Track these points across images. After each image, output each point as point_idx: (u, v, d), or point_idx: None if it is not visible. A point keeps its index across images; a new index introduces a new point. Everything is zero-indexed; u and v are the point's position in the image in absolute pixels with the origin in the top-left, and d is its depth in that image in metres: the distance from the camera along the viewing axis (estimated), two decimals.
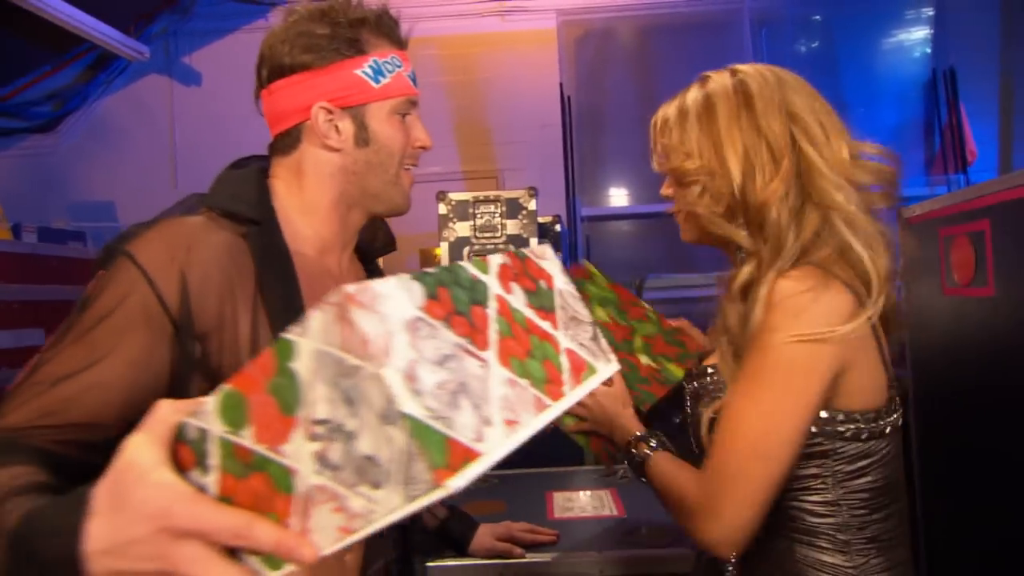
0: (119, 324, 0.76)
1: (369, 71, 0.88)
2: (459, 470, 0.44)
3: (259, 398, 0.47)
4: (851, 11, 3.92)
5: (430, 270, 0.52)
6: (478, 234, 2.22)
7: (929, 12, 3.88)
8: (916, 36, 3.91)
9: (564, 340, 0.63)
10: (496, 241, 2.24)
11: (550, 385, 0.57)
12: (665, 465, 0.99)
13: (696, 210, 0.99)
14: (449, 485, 0.43)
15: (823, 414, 0.90)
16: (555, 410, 0.56)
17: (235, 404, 0.48)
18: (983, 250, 1.46)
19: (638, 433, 1.05)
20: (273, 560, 0.48)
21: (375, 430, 0.44)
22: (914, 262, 1.80)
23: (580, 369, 0.63)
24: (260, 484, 0.48)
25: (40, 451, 0.69)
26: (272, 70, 0.89)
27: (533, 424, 0.53)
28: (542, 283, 0.66)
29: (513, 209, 2.24)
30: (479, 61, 4.16)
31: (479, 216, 2.22)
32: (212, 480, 0.49)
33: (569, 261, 3.69)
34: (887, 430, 0.92)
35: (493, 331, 0.55)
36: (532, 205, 2.26)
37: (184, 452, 0.50)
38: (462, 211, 2.23)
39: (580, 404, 0.94)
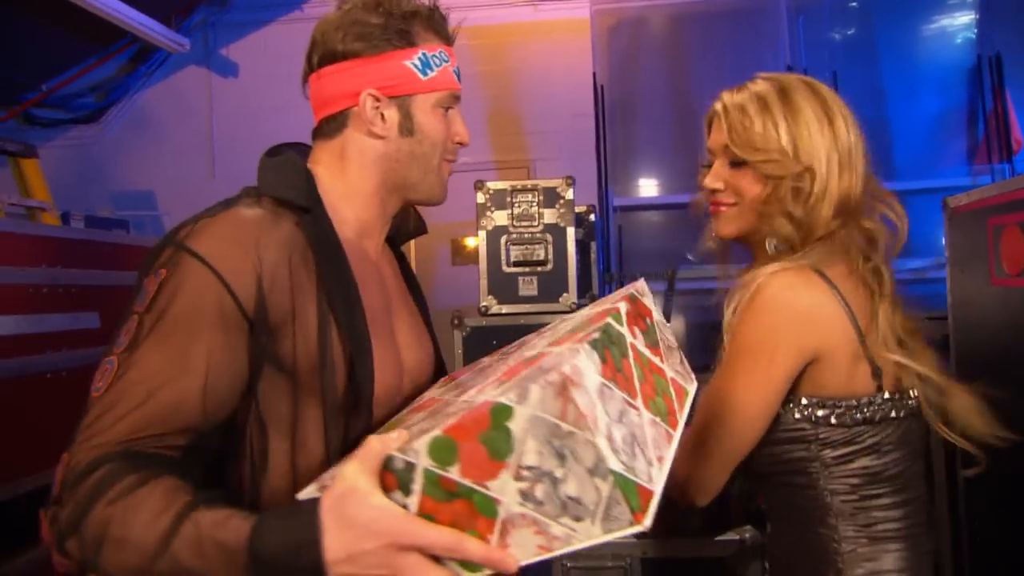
0: (199, 327, 0.77)
1: (418, 63, 0.89)
2: (647, 510, 0.59)
3: (470, 445, 0.60)
4: None
5: (595, 335, 0.64)
6: (515, 223, 2.23)
7: None
8: (960, 21, 3.81)
9: (668, 371, 0.76)
10: (533, 230, 2.25)
11: (671, 416, 0.70)
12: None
13: (780, 207, 0.97)
14: (644, 523, 0.58)
15: (803, 400, 0.96)
16: (677, 436, 0.69)
17: (446, 447, 0.61)
18: None
19: None
20: (471, 566, 0.62)
21: (583, 480, 0.59)
22: (960, 252, 1.77)
23: (681, 395, 0.75)
24: (463, 507, 0.61)
25: (155, 457, 0.73)
26: (324, 55, 0.90)
27: (670, 453, 0.66)
28: (648, 320, 0.79)
29: (550, 198, 2.25)
30: (511, 51, 4.16)
31: (516, 205, 2.23)
32: (413, 501, 0.63)
33: (602, 251, 3.68)
34: (877, 418, 0.95)
35: (636, 379, 0.68)
36: (569, 194, 2.27)
37: (388, 478, 0.64)
38: (500, 200, 2.24)
39: None
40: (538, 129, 4.16)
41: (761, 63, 3.91)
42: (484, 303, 2.22)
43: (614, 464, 0.58)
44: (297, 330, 0.81)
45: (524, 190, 2.23)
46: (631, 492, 0.59)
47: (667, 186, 4.09)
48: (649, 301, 0.83)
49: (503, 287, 2.22)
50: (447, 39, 0.94)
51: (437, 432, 0.61)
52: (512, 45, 4.15)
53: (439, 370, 1.04)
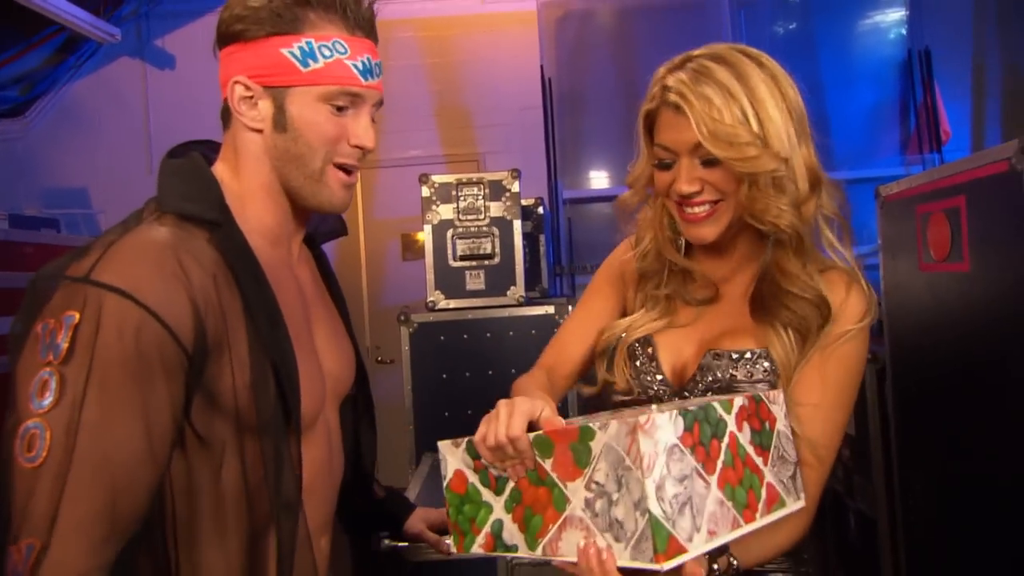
0: (142, 377, 0.70)
1: (297, 52, 0.81)
2: (670, 558, 0.68)
3: (561, 448, 0.76)
4: None
5: (692, 408, 0.75)
6: (461, 216, 2.22)
7: None
8: (892, 17, 3.95)
9: (769, 475, 0.84)
10: (480, 223, 2.24)
11: (747, 510, 0.79)
12: (754, 546, 0.88)
13: (770, 201, 0.90)
14: (663, 567, 0.68)
15: None
16: (743, 530, 0.77)
17: (546, 443, 0.77)
18: (958, 226, 1.49)
19: (715, 565, 0.86)
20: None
21: (629, 509, 0.71)
22: (891, 240, 1.83)
23: (773, 500, 0.82)
24: (544, 494, 0.77)
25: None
26: (218, 37, 0.85)
27: (727, 537, 0.75)
28: (767, 424, 0.85)
29: (496, 191, 2.24)
30: (459, 43, 4.13)
31: (462, 198, 2.22)
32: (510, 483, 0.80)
33: (552, 243, 3.70)
34: None
35: (720, 461, 0.77)
36: (515, 187, 2.26)
37: None
38: (445, 193, 2.22)
39: None
40: (487, 122, 4.15)
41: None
42: (431, 298, 2.21)
43: (653, 506, 0.69)
44: (233, 355, 0.77)
45: (470, 183, 2.23)
46: (661, 536, 0.68)
47: (617, 178, 4.13)
48: (778, 411, 0.88)
49: (450, 281, 2.21)
50: (355, 29, 0.84)
51: (541, 432, 0.77)
52: (459, 38, 4.13)
53: (360, 371, 1.01)
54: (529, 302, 2.34)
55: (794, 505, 0.84)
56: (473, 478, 0.85)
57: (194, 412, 0.76)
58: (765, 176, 0.88)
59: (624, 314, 1.07)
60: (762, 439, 0.84)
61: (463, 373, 2.12)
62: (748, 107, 0.87)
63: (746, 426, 0.83)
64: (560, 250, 3.84)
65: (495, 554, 0.83)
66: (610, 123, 4.07)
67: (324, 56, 0.81)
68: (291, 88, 0.82)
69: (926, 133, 3.60)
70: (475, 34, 4.12)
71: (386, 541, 1.18)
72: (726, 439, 0.79)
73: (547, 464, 0.77)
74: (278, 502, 0.78)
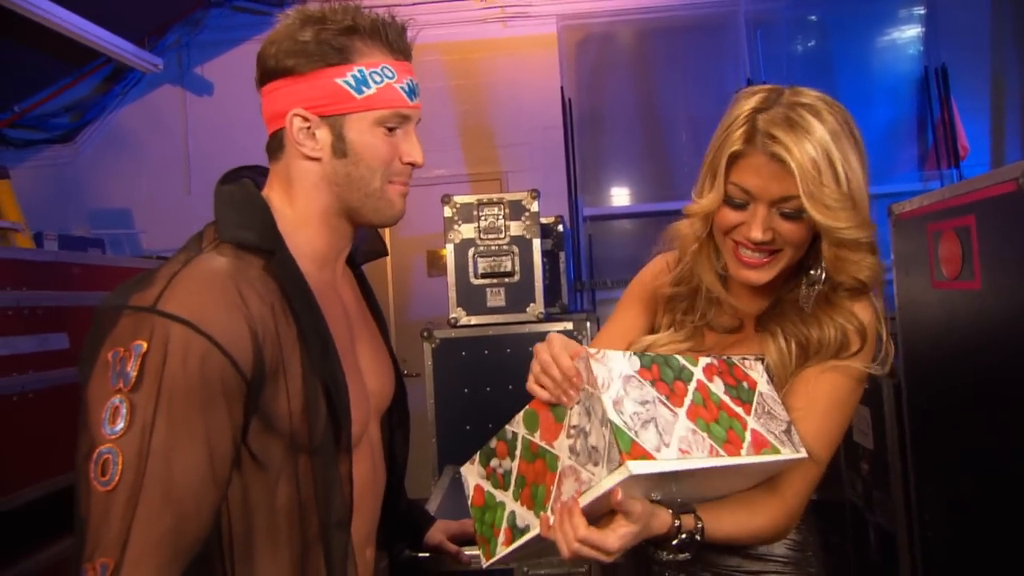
0: (206, 405, 0.72)
1: (351, 80, 0.82)
2: (636, 459, 0.72)
3: (544, 414, 0.82)
4: (845, 11, 3.92)
5: (649, 353, 0.82)
6: (482, 235, 2.25)
7: (921, 11, 3.88)
8: (908, 35, 3.91)
9: (752, 422, 0.85)
10: (500, 242, 2.27)
11: (728, 444, 0.80)
12: (725, 520, 0.87)
13: (848, 270, 0.91)
14: (629, 465, 0.71)
15: None
16: (726, 460, 0.78)
17: (532, 417, 0.83)
18: (969, 245, 1.48)
19: (676, 521, 0.85)
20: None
21: (597, 431, 0.75)
22: (904, 257, 1.82)
23: (761, 445, 0.83)
24: (540, 465, 0.81)
25: None
26: (263, 73, 0.85)
27: (701, 460, 0.77)
28: (744, 384, 0.88)
29: (516, 211, 2.27)
30: (482, 66, 4.18)
31: (483, 218, 2.25)
32: (515, 464, 0.85)
33: (572, 260, 3.71)
34: None
35: (688, 399, 0.81)
36: (535, 207, 2.29)
37: (502, 446, 0.88)
38: (466, 213, 2.25)
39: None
40: (509, 142, 4.19)
41: (722, 75, 3.97)
42: (453, 315, 2.24)
43: (612, 416, 0.74)
44: (288, 380, 0.78)
45: (490, 203, 2.26)
46: (623, 439, 0.73)
47: (637, 195, 4.14)
48: (757, 376, 0.90)
49: (471, 299, 2.24)
50: (397, 53, 0.86)
51: (527, 407, 0.83)
52: (483, 61, 4.18)
53: (400, 388, 1.03)
54: (549, 318, 2.36)
55: (792, 455, 0.85)
56: (487, 485, 0.89)
57: (251, 434, 0.77)
58: (853, 242, 0.88)
59: (653, 331, 1.07)
60: (740, 394, 0.86)
61: (484, 387, 2.14)
62: (839, 166, 0.84)
63: (718, 380, 0.85)
64: (581, 266, 3.85)
65: (515, 546, 0.83)
66: (629, 141, 4.09)
67: (375, 82, 0.83)
68: (347, 116, 0.83)
69: (943, 149, 3.54)
70: (498, 57, 4.17)
71: (407, 552, 1.20)
72: (693, 384, 0.83)
73: (535, 437, 0.82)
74: (328, 519, 0.79)
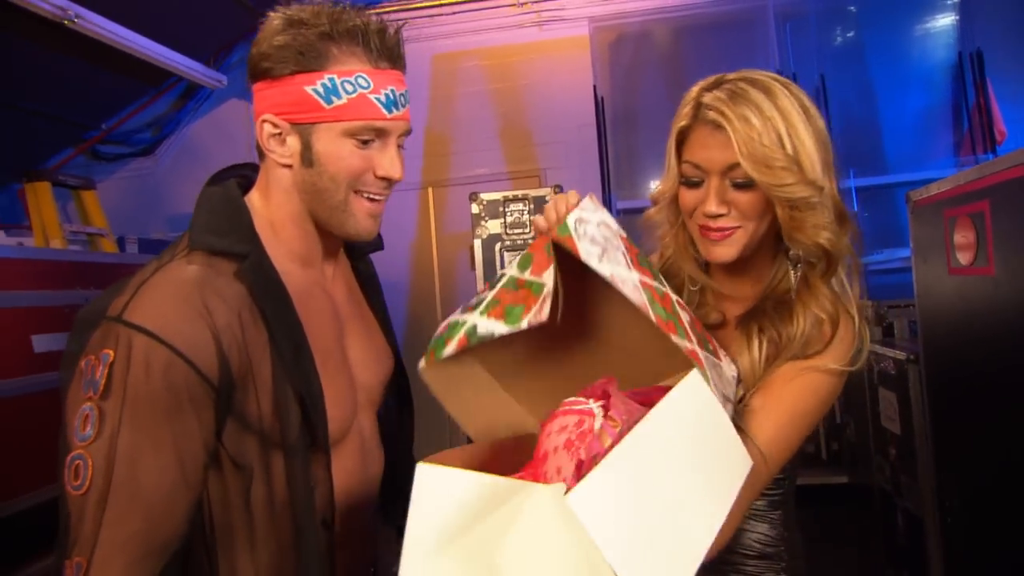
0: (171, 411, 0.70)
1: (320, 89, 0.76)
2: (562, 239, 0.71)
3: (538, 252, 0.72)
4: (876, 1, 3.72)
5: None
6: (508, 231, 2.24)
7: None
8: (942, 23, 3.67)
9: (697, 350, 0.76)
10: (526, 237, 2.25)
11: (670, 324, 0.73)
12: (719, 538, 0.81)
13: (801, 236, 0.84)
14: (557, 235, 0.70)
15: None
16: (660, 329, 0.73)
17: (527, 259, 0.73)
18: (983, 230, 1.38)
19: None
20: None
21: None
22: (922, 244, 1.72)
23: (694, 357, 0.76)
24: (524, 293, 0.71)
25: None
26: (250, 73, 0.81)
27: (633, 296, 0.70)
28: (709, 344, 0.81)
29: (540, 206, 2.25)
30: (519, 69, 4.16)
31: (509, 214, 2.24)
32: (491, 293, 0.73)
33: None
34: None
35: (653, 279, 0.75)
36: None
37: (485, 286, 0.77)
38: (493, 210, 2.25)
39: None
40: (546, 140, 4.16)
41: (753, 67, 3.82)
42: None
43: (569, 218, 0.71)
44: (258, 385, 0.76)
45: (516, 200, 2.25)
46: (563, 230, 0.70)
47: None
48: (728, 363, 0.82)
49: None
50: (381, 62, 0.78)
51: (525, 251, 0.76)
52: (520, 64, 4.16)
53: (400, 374, 0.99)
54: None
55: (712, 398, 0.74)
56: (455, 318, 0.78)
57: (226, 435, 0.76)
58: (801, 201, 0.82)
59: None
60: (700, 333, 0.81)
61: None
62: (783, 131, 0.80)
63: (687, 314, 0.80)
64: None
65: (469, 346, 0.72)
66: (661, 137, 3.91)
67: (347, 92, 0.76)
68: (316, 125, 0.77)
69: (980, 134, 3.32)
70: (534, 60, 4.14)
71: None
72: (664, 288, 0.76)
73: (526, 274, 0.73)
74: (307, 518, 0.77)
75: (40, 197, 2.82)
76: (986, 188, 1.36)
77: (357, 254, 0.99)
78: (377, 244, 1.00)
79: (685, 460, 0.67)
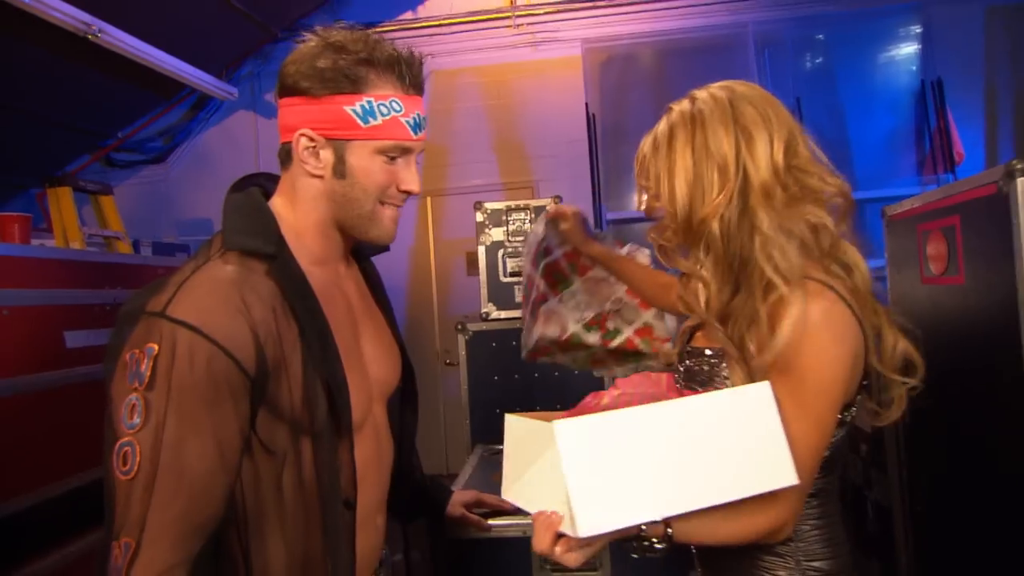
0: (214, 401, 0.72)
1: (359, 110, 0.80)
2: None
3: None
4: (847, 30, 3.81)
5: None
6: (510, 238, 2.26)
7: (918, 29, 3.74)
8: (906, 51, 3.78)
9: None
10: None
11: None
12: (700, 527, 0.79)
13: (661, 244, 0.89)
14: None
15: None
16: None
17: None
18: (954, 243, 1.43)
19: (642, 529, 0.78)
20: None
21: None
22: (896, 256, 1.77)
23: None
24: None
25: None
26: (280, 88, 0.84)
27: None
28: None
29: (540, 216, 2.28)
30: (514, 86, 4.19)
31: (511, 222, 2.26)
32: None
33: None
34: (848, 419, 0.88)
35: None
36: None
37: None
38: (496, 218, 2.26)
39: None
40: (539, 154, 4.19)
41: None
42: (485, 309, 2.25)
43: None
44: (289, 375, 0.77)
45: (518, 209, 2.26)
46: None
47: None
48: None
49: (501, 295, 2.25)
50: (408, 88, 0.83)
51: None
52: (515, 81, 4.19)
53: (407, 372, 1.01)
54: None
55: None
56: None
57: (259, 424, 0.77)
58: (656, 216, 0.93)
59: None
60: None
61: (512, 375, 2.14)
62: (664, 147, 0.88)
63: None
64: None
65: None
66: None
67: (382, 114, 0.80)
68: (351, 141, 0.81)
69: (940, 156, 3.41)
70: (528, 78, 4.18)
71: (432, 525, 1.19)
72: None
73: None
74: (333, 498, 0.79)
75: (62, 201, 2.80)
76: (956, 204, 1.41)
77: (362, 256, 1.01)
78: (384, 248, 1.03)
79: (707, 445, 0.72)
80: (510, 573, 1.27)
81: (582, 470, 0.68)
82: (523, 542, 1.25)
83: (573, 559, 0.76)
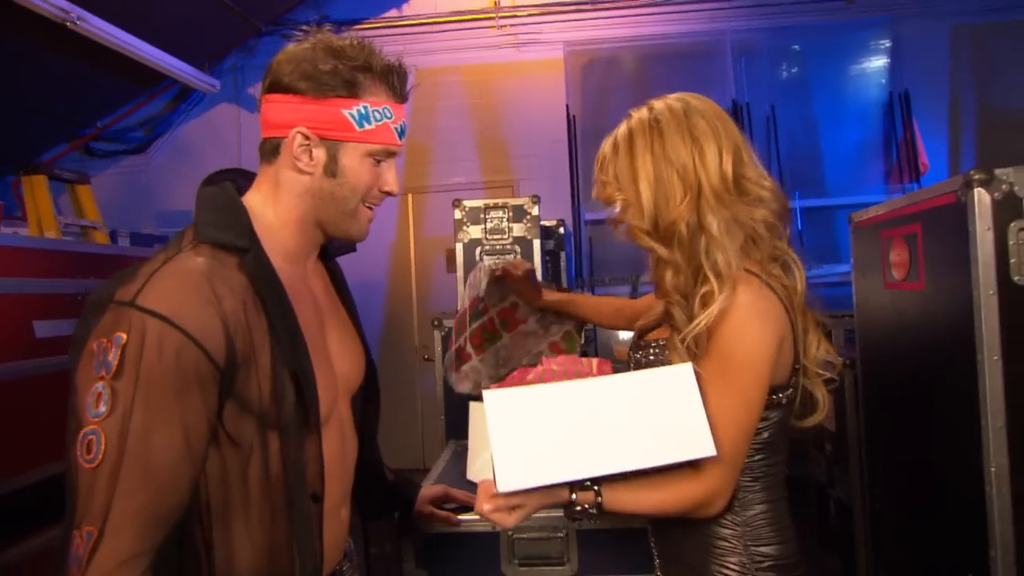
0: (181, 391, 0.70)
1: (356, 114, 0.82)
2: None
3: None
4: (821, 42, 3.86)
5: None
6: (488, 236, 2.25)
7: (887, 43, 3.81)
8: (876, 64, 3.84)
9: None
10: (504, 242, 2.26)
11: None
12: (627, 495, 0.86)
13: (626, 228, 0.95)
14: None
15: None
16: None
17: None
18: (916, 250, 1.45)
19: (572, 495, 0.86)
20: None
21: None
22: (861, 261, 1.79)
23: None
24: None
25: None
26: (272, 83, 0.83)
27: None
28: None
29: (519, 214, 2.27)
30: (497, 86, 4.18)
31: (489, 220, 2.25)
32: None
33: (574, 259, 3.69)
34: (783, 401, 0.92)
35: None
36: (535, 211, 2.28)
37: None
38: (475, 216, 2.25)
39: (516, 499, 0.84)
40: (520, 153, 4.18)
41: (711, 97, 3.92)
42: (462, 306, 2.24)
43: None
44: (258, 367, 0.77)
45: (496, 207, 2.25)
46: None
47: None
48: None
49: None
50: (399, 97, 0.86)
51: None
52: (498, 81, 4.18)
53: (370, 369, 1.01)
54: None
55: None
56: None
57: (226, 416, 0.76)
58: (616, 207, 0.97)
59: None
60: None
61: None
62: (623, 152, 0.94)
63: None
64: (582, 265, 3.83)
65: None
66: None
67: (376, 119, 0.83)
68: (345, 143, 0.83)
69: (906, 165, 3.47)
70: (511, 78, 4.17)
71: (403, 520, 1.19)
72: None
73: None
74: (299, 492, 0.78)
75: (36, 189, 2.72)
76: (918, 212, 1.43)
77: (327, 256, 1.00)
78: (351, 247, 1.03)
79: (628, 417, 0.80)
80: (479, 567, 1.26)
81: (504, 433, 0.77)
82: (492, 537, 1.24)
83: (502, 519, 0.82)
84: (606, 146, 0.98)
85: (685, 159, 0.91)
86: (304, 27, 0.87)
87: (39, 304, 1.88)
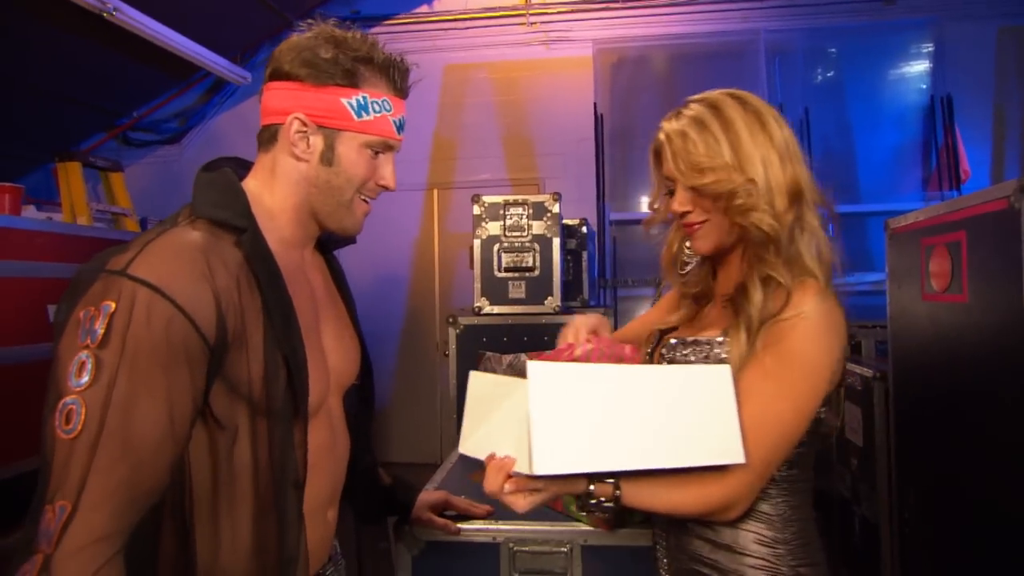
0: (167, 363, 0.68)
1: (354, 104, 0.81)
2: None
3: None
4: (858, 44, 3.70)
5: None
6: (507, 233, 2.18)
7: (930, 47, 3.63)
8: (917, 68, 3.66)
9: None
10: (523, 239, 2.20)
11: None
12: (646, 491, 0.81)
13: (743, 221, 0.85)
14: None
15: None
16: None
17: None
18: (959, 259, 1.33)
19: (591, 486, 0.81)
20: None
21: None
22: (897, 270, 1.67)
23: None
24: None
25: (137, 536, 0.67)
26: (273, 71, 0.83)
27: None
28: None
29: (539, 211, 2.19)
30: (525, 83, 4.11)
31: (508, 217, 2.18)
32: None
33: (596, 259, 3.60)
34: (822, 415, 0.87)
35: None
36: (556, 208, 2.21)
37: None
38: (494, 212, 2.19)
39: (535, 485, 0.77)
40: (546, 151, 4.11)
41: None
42: (478, 304, 2.18)
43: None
44: (250, 348, 0.74)
45: (516, 204, 2.19)
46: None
47: None
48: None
49: (495, 290, 2.18)
50: (399, 91, 0.85)
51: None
52: (526, 79, 4.11)
53: (365, 365, 0.97)
54: (567, 311, 2.27)
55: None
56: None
57: (213, 396, 0.73)
58: (739, 196, 0.84)
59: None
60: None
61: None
62: (721, 135, 0.85)
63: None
64: (605, 265, 3.74)
65: None
66: None
67: (374, 110, 0.82)
68: (343, 132, 0.82)
69: (946, 173, 3.29)
70: (539, 76, 4.09)
71: (403, 527, 1.15)
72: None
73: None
74: (283, 479, 0.75)
75: (71, 176, 2.75)
76: (964, 220, 1.32)
77: (326, 249, 0.98)
78: (351, 240, 0.99)
79: (665, 412, 0.75)
80: None
81: (547, 410, 0.70)
82: (492, 547, 1.17)
83: (519, 502, 0.76)
84: (674, 128, 0.87)
85: (786, 140, 0.87)
86: (333, 21, 0.85)
87: (56, 288, 1.88)
